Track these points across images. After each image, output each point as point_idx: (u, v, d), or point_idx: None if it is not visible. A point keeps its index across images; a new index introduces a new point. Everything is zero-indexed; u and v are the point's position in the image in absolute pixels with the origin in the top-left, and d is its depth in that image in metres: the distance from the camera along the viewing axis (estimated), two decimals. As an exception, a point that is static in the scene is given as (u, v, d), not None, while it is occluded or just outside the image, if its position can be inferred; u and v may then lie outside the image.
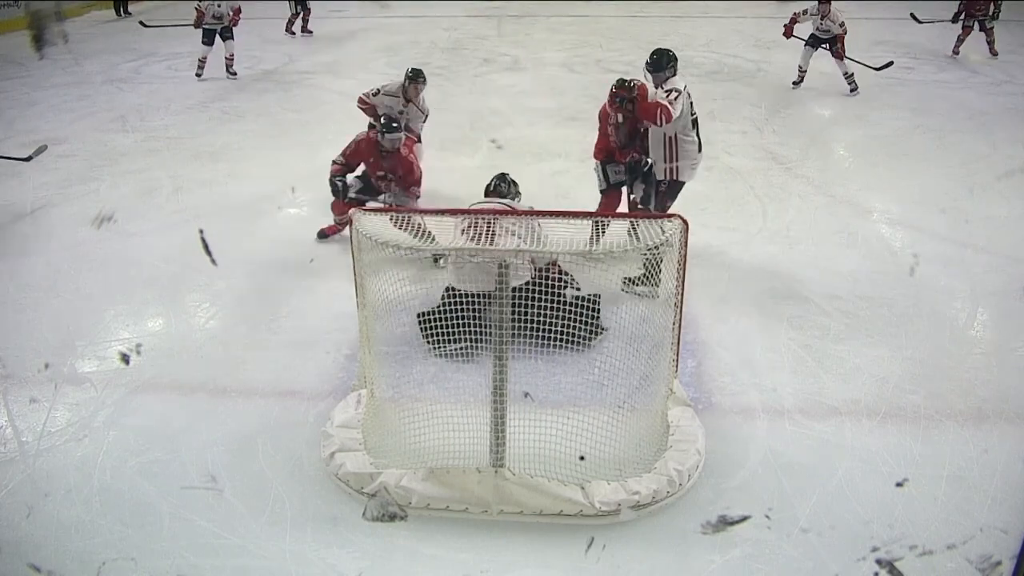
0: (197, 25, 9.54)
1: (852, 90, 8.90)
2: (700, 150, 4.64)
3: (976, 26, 10.32)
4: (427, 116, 6.02)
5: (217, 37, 9.67)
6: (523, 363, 3.29)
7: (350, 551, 2.88)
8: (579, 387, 3.38)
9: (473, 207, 4.29)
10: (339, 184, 5.20)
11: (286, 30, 12.49)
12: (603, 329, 3.88)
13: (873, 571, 2.79)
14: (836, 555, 2.84)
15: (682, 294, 3.31)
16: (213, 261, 5.05)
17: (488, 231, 3.28)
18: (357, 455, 3.20)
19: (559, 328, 3.25)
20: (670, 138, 4.52)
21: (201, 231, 4.44)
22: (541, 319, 3.20)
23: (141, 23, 10.34)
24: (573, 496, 2.97)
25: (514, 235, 3.54)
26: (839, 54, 8.80)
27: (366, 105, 5.84)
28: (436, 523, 2.99)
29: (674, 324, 3.35)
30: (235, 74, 9.88)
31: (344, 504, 3.08)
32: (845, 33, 8.76)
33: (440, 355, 3.72)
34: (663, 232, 3.08)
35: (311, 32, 12.54)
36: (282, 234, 5.62)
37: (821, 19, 8.82)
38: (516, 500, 2.97)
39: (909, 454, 3.32)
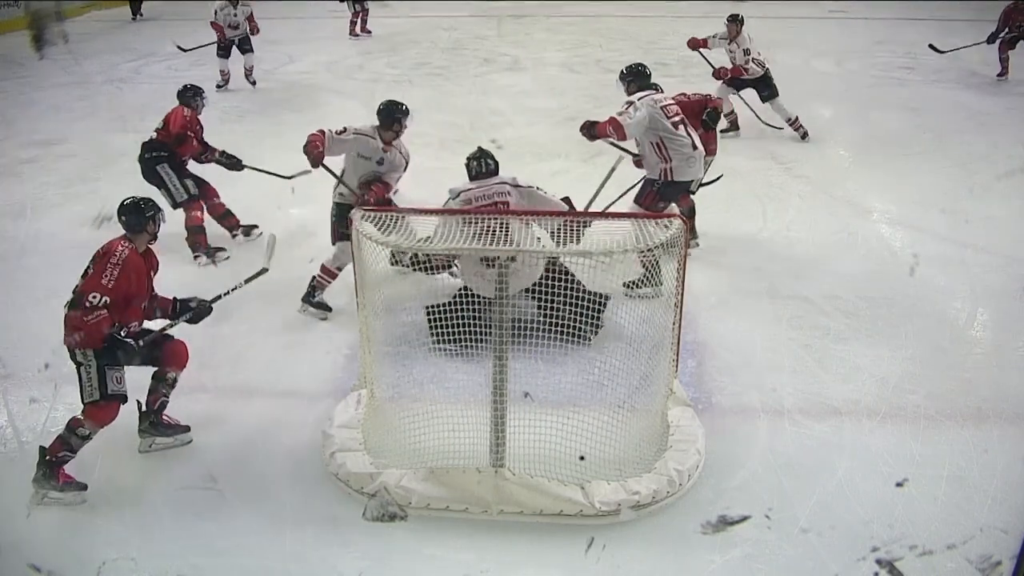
0: (221, 42, 9.23)
1: (803, 135, 7.33)
2: (695, 148, 4.61)
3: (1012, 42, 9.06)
4: (407, 164, 4.62)
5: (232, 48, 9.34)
6: (523, 363, 3.29)
7: (350, 551, 2.88)
8: (579, 387, 3.38)
9: (473, 191, 4.11)
10: (130, 347, 3.15)
11: (350, 33, 12.23)
12: (600, 326, 3.88)
13: (873, 571, 2.79)
14: (836, 555, 2.84)
15: (682, 294, 3.31)
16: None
17: (504, 233, 3.09)
18: (357, 455, 3.20)
19: (562, 321, 3.25)
20: (654, 143, 4.55)
21: (201, 231, 4.46)
22: (548, 309, 3.19)
23: (179, 48, 9.80)
24: (573, 496, 2.97)
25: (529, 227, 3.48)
26: (769, 98, 7.23)
27: (319, 150, 4.25)
28: (436, 523, 2.99)
29: (674, 324, 3.35)
30: (255, 83, 9.54)
31: (344, 504, 3.08)
32: (757, 73, 7.10)
33: (445, 350, 3.57)
34: (661, 233, 3.07)
35: (370, 32, 12.35)
36: (282, 234, 5.61)
37: (729, 43, 7.22)
38: (516, 500, 2.97)
39: (909, 454, 3.32)
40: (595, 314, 3.62)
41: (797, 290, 4.69)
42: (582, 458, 3.09)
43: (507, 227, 3.11)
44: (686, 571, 2.82)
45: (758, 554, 2.85)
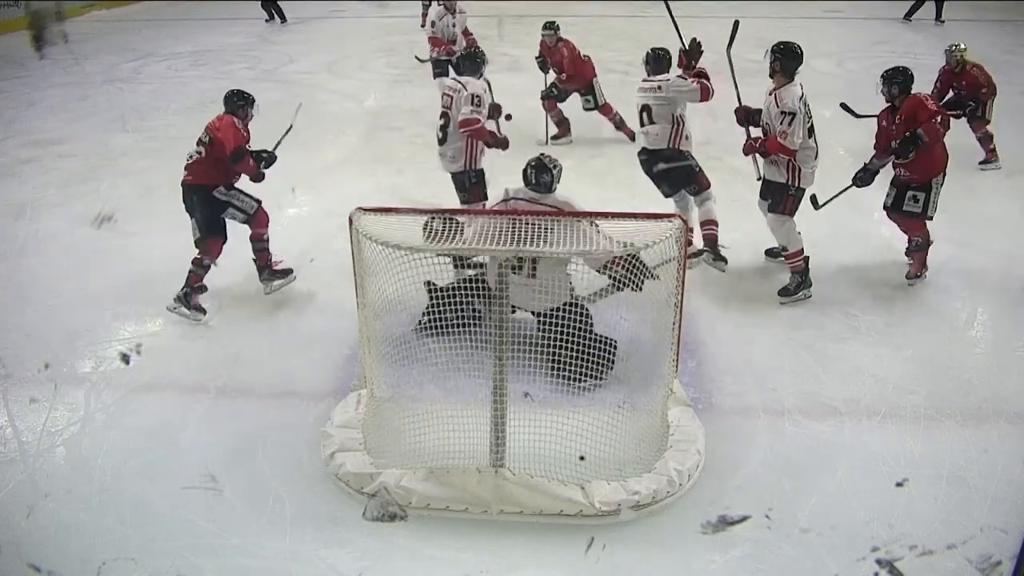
0: (448, 60, 7.51)
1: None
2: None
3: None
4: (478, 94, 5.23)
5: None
6: (523, 363, 3.28)
7: (350, 551, 2.88)
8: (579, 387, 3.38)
9: (522, 203, 3.86)
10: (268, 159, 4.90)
11: (422, 25, 11.61)
12: (605, 373, 3.46)
13: (873, 571, 2.79)
14: (836, 555, 2.84)
15: (682, 294, 3.31)
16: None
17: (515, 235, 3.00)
18: (357, 455, 3.20)
19: (573, 364, 3.22)
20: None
21: (201, 231, 4.46)
22: (549, 344, 3.16)
23: (418, 58, 8.21)
24: (573, 496, 2.97)
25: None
26: None
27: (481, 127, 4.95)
28: (436, 523, 2.99)
29: (674, 324, 3.35)
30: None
31: (344, 504, 3.08)
32: None
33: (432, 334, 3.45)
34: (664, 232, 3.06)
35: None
36: (282, 234, 5.60)
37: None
38: (516, 500, 2.97)
39: (909, 454, 3.32)
40: (603, 360, 3.35)
41: (797, 290, 4.68)
42: (582, 458, 3.09)
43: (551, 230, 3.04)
44: (686, 571, 2.82)
45: (758, 554, 2.85)
